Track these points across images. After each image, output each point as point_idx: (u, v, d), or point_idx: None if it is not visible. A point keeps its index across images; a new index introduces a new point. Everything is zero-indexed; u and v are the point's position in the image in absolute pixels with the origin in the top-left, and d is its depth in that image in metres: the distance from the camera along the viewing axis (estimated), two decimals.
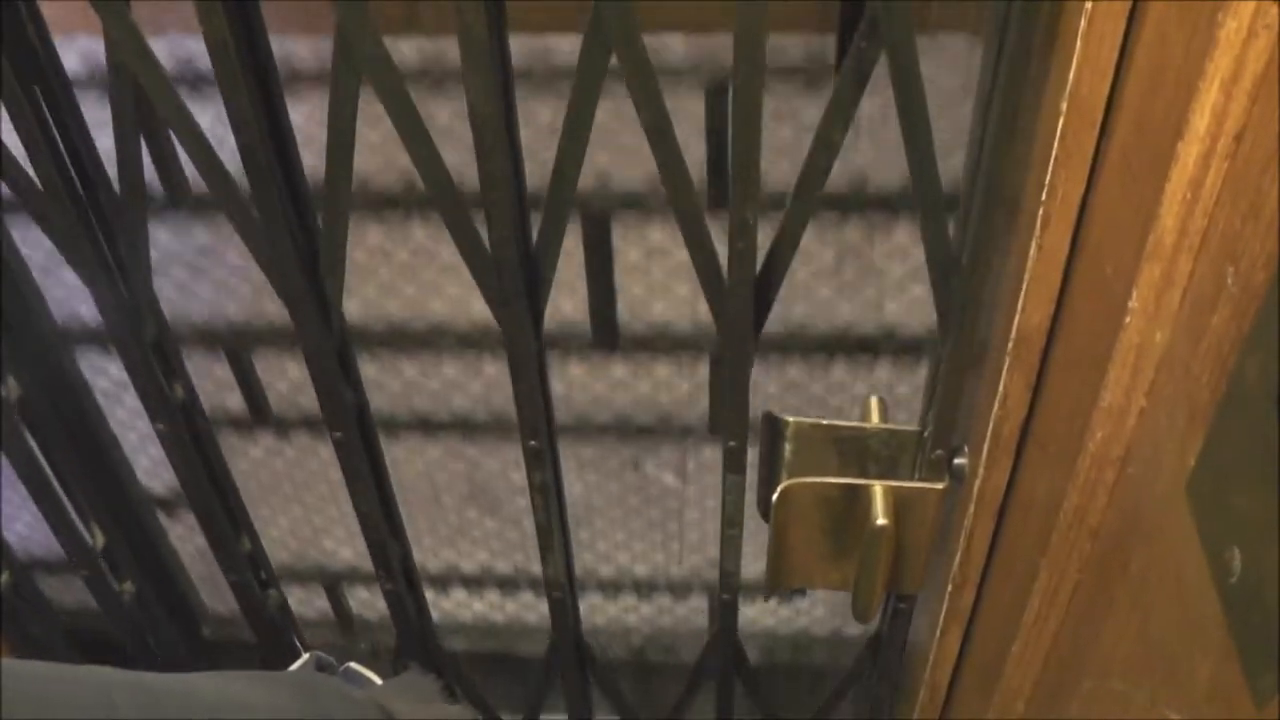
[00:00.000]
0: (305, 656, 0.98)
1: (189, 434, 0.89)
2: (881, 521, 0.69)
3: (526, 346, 0.69)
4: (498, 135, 0.61)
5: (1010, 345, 0.60)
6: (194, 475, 0.90)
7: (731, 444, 0.71)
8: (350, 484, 0.83)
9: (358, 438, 0.82)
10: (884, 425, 0.74)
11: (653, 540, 1.21)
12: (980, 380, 0.67)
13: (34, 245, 0.90)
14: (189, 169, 0.73)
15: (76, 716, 0.48)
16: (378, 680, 0.80)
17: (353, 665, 0.86)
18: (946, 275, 0.63)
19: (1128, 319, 0.49)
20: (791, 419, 0.73)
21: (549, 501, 0.78)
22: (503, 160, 0.62)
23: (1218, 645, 0.40)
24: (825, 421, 0.73)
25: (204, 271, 1.09)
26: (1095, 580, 0.58)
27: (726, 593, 0.83)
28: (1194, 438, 0.43)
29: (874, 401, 0.75)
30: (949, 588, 0.75)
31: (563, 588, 0.88)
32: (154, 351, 0.82)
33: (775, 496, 0.70)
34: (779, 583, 0.77)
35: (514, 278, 0.66)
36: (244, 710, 0.59)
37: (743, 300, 0.65)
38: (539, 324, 0.69)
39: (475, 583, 1.29)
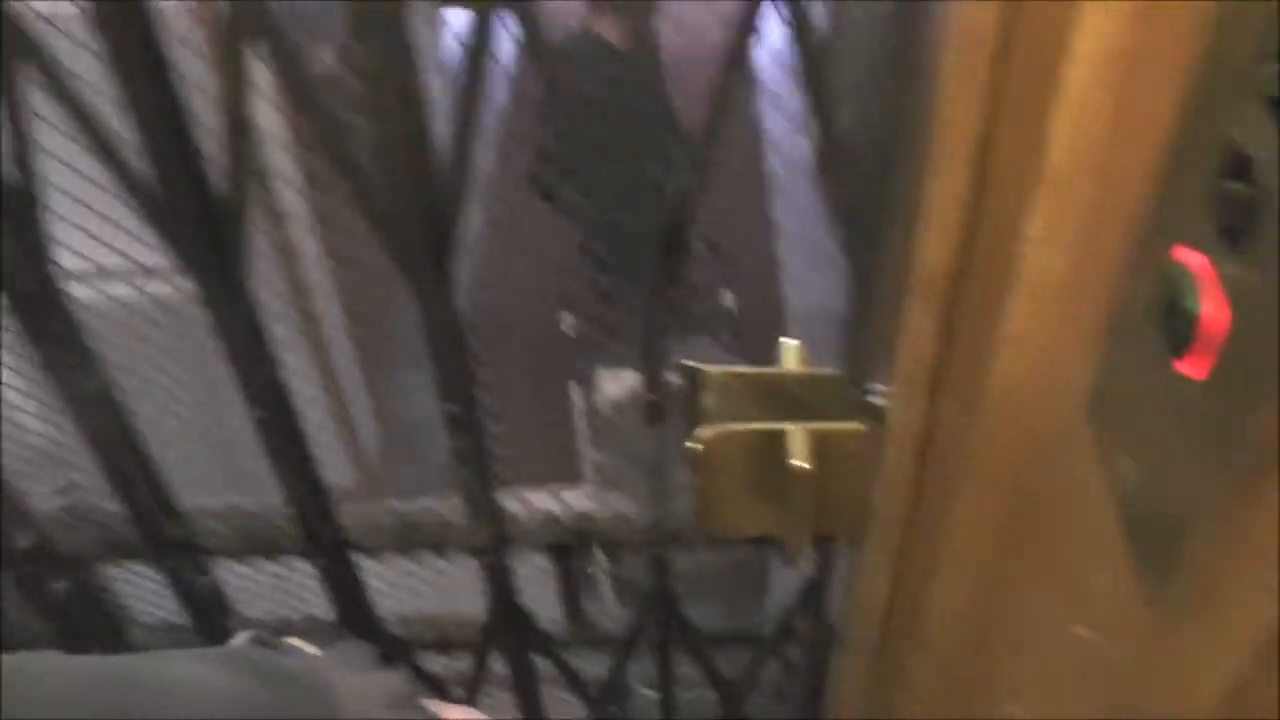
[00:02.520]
0: (242, 634, 0.98)
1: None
2: (802, 465, 0.70)
3: (436, 302, 0.68)
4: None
5: (918, 284, 0.61)
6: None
7: (651, 398, 0.72)
8: (276, 465, 0.83)
9: (280, 423, 0.81)
10: (803, 370, 0.75)
11: None
12: (892, 320, 0.68)
13: None
14: None
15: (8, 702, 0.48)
16: (315, 652, 0.79)
17: (291, 640, 0.85)
18: (851, 219, 0.64)
19: (1025, 248, 0.50)
20: (711, 369, 0.74)
21: (470, 462, 0.78)
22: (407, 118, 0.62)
23: (1116, 556, 0.41)
24: (744, 369, 0.74)
25: None
26: (1008, 508, 0.59)
27: (655, 546, 0.83)
28: (1089, 358, 0.44)
29: (791, 346, 0.76)
30: (875, 527, 0.76)
31: (494, 552, 0.88)
32: None
33: (695, 445, 0.71)
34: (708, 532, 0.77)
35: (417, 234, 0.66)
36: (184, 690, 0.58)
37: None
38: (447, 276, 0.69)
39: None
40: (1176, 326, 0.35)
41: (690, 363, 0.74)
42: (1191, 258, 0.35)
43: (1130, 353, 0.40)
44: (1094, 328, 0.44)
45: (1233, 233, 0.31)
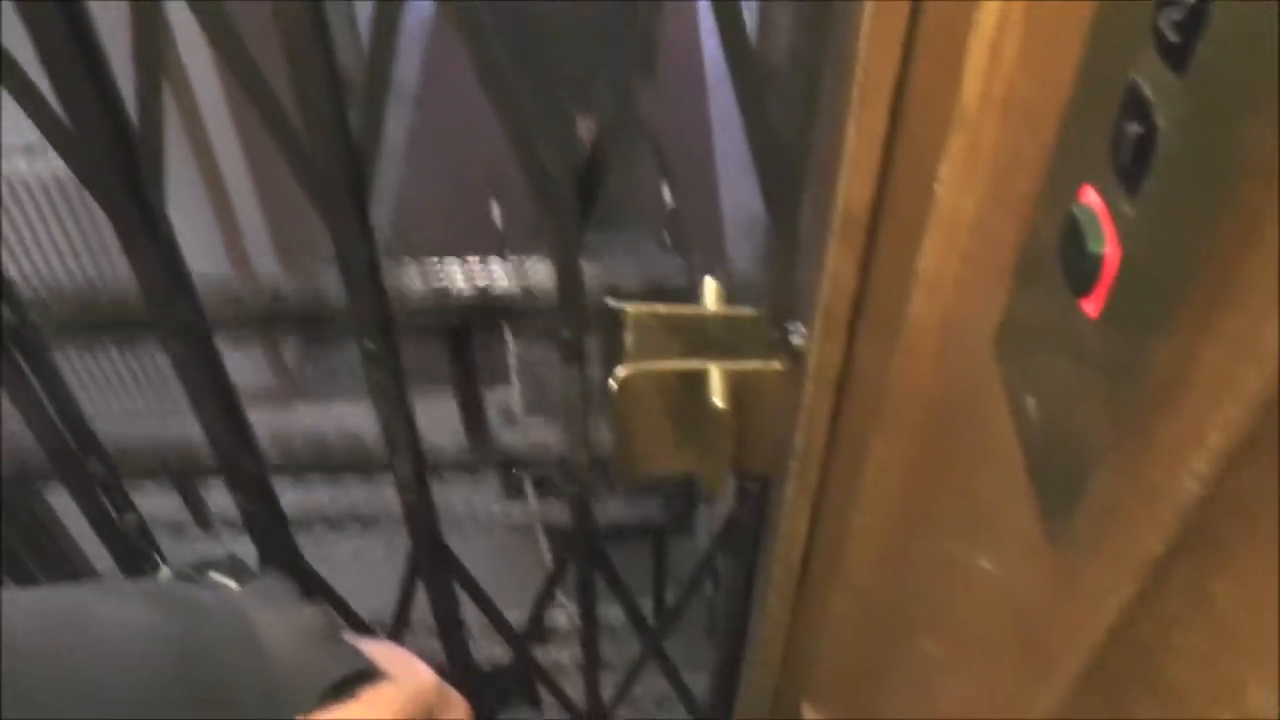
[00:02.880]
0: (164, 570, 0.97)
1: None
2: (719, 404, 0.70)
3: (355, 248, 0.68)
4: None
5: (837, 224, 0.61)
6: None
7: (566, 335, 0.72)
8: (189, 391, 0.82)
9: (196, 356, 0.80)
10: (722, 309, 0.75)
11: None
12: (812, 260, 0.68)
13: None
14: None
15: None
16: (236, 587, 0.79)
17: (213, 575, 0.85)
18: (770, 158, 0.64)
19: (939, 188, 0.50)
20: (630, 307, 0.74)
21: (389, 402, 0.78)
22: (316, 57, 0.60)
23: (1022, 494, 0.42)
24: (663, 308, 0.74)
25: None
26: (922, 446, 0.60)
27: (576, 485, 0.84)
28: (999, 297, 0.45)
29: (712, 285, 0.76)
30: (794, 466, 0.77)
31: (415, 489, 0.88)
32: None
33: (613, 384, 0.71)
34: (625, 472, 0.78)
35: (337, 177, 0.65)
36: (106, 629, 0.58)
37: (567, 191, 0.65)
38: (365, 223, 0.68)
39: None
40: (1080, 267, 0.35)
41: (611, 301, 0.74)
42: (1095, 199, 0.35)
43: (1037, 293, 0.41)
44: (1004, 267, 0.45)
45: (1129, 174, 0.32)
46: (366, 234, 0.70)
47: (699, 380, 0.73)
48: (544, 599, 1.05)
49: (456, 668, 1.14)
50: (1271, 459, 0.25)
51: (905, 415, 0.61)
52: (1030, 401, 0.41)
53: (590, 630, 1.06)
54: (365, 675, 0.67)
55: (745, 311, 0.75)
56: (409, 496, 0.89)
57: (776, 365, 0.74)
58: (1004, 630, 0.45)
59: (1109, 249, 0.34)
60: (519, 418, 2.49)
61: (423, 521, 0.94)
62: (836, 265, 0.63)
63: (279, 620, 0.66)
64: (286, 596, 0.71)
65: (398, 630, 1.10)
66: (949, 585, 0.54)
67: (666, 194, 2.77)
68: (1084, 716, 0.36)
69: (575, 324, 0.72)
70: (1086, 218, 0.35)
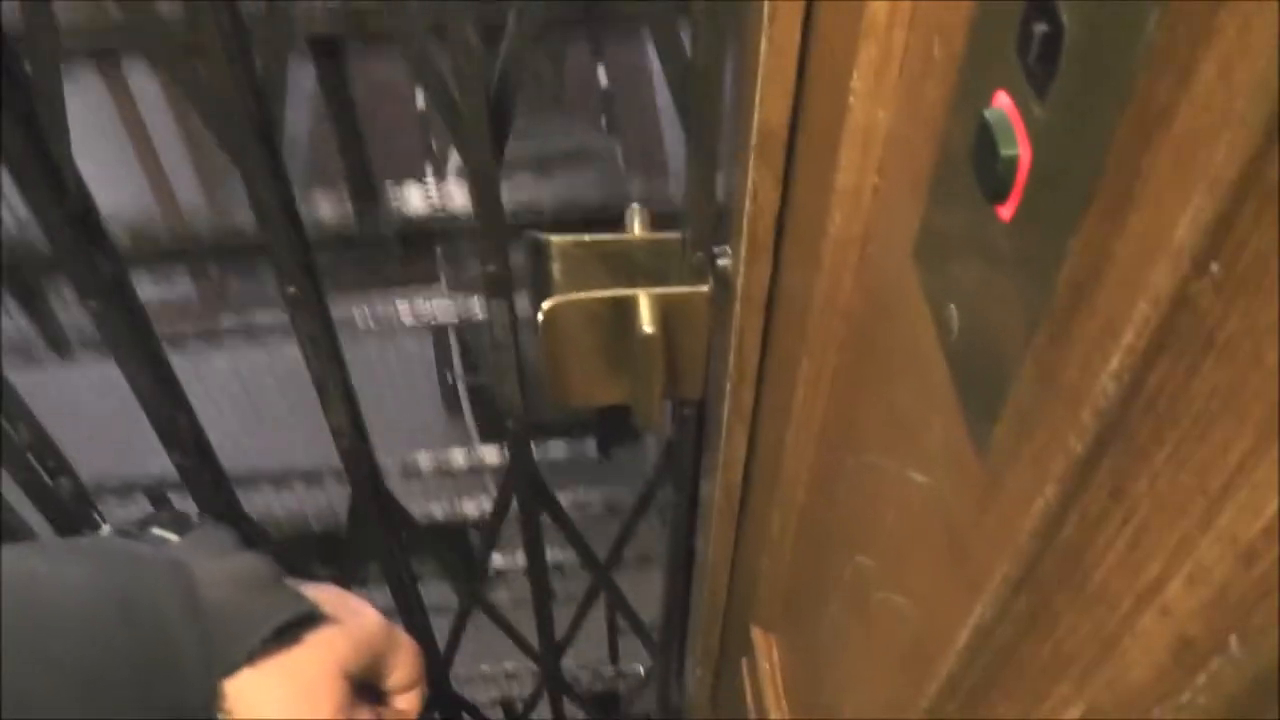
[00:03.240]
0: (104, 529, 0.95)
1: None
2: (649, 330, 0.70)
3: (266, 188, 0.66)
4: None
5: (754, 142, 0.61)
6: None
7: (490, 269, 0.70)
8: (112, 348, 0.80)
9: (116, 307, 0.78)
10: (648, 235, 0.74)
11: None
12: (732, 179, 0.68)
13: None
14: None
15: None
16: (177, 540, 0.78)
17: (154, 530, 0.84)
18: (682, 77, 0.63)
19: (852, 100, 0.49)
20: (553, 238, 0.73)
21: (319, 349, 0.77)
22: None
23: (947, 404, 0.42)
24: (588, 237, 0.73)
25: None
26: (849, 361, 0.60)
27: (512, 421, 0.83)
28: (917, 208, 0.45)
29: (636, 210, 0.75)
30: (728, 388, 0.77)
31: (351, 434, 0.87)
32: None
33: (540, 317, 0.70)
34: (559, 404, 0.77)
35: (241, 116, 0.63)
36: (44, 587, 0.57)
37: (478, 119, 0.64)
38: (277, 160, 0.66)
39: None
40: (992, 171, 0.35)
41: (534, 234, 0.73)
42: (1006, 101, 0.34)
43: (952, 200, 0.40)
44: (919, 176, 0.44)
45: (1036, 75, 0.31)
46: (281, 177, 0.69)
47: (628, 308, 0.72)
48: (489, 539, 1.04)
49: (405, 614, 1.14)
50: (1181, 357, 0.25)
51: (830, 331, 0.60)
52: (951, 310, 0.41)
53: (538, 567, 1.06)
54: (309, 619, 0.67)
55: (672, 236, 0.74)
56: (344, 443, 0.88)
57: (704, 289, 0.73)
58: (934, 542, 0.45)
59: (1021, 151, 0.33)
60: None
61: (362, 467, 0.93)
62: (757, 183, 0.62)
63: (218, 568, 0.66)
64: (227, 545, 0.70)
65: (343, 584, 1.10)
66: (879, 498, 0.54)
67: (601, 74, 2.72)
68: (1014, 625, 0.36)
69: (498, 257, 0.71)
70: (998, 121, 0.34)
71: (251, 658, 0.63)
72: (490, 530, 1.07)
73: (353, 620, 0.70)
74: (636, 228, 0.76)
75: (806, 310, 0.61)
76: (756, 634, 0.90)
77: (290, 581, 0.70)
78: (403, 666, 0.78)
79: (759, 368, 0.75)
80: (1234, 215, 0.22)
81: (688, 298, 0.73)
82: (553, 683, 1.32)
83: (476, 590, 1.15)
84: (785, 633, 0.86)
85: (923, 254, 0.45)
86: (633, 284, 0.74)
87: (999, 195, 0.35)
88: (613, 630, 1.52)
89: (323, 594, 0.70)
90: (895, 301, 0.50)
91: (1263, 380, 0.22)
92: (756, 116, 0.59)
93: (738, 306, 0.70)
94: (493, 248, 0.70)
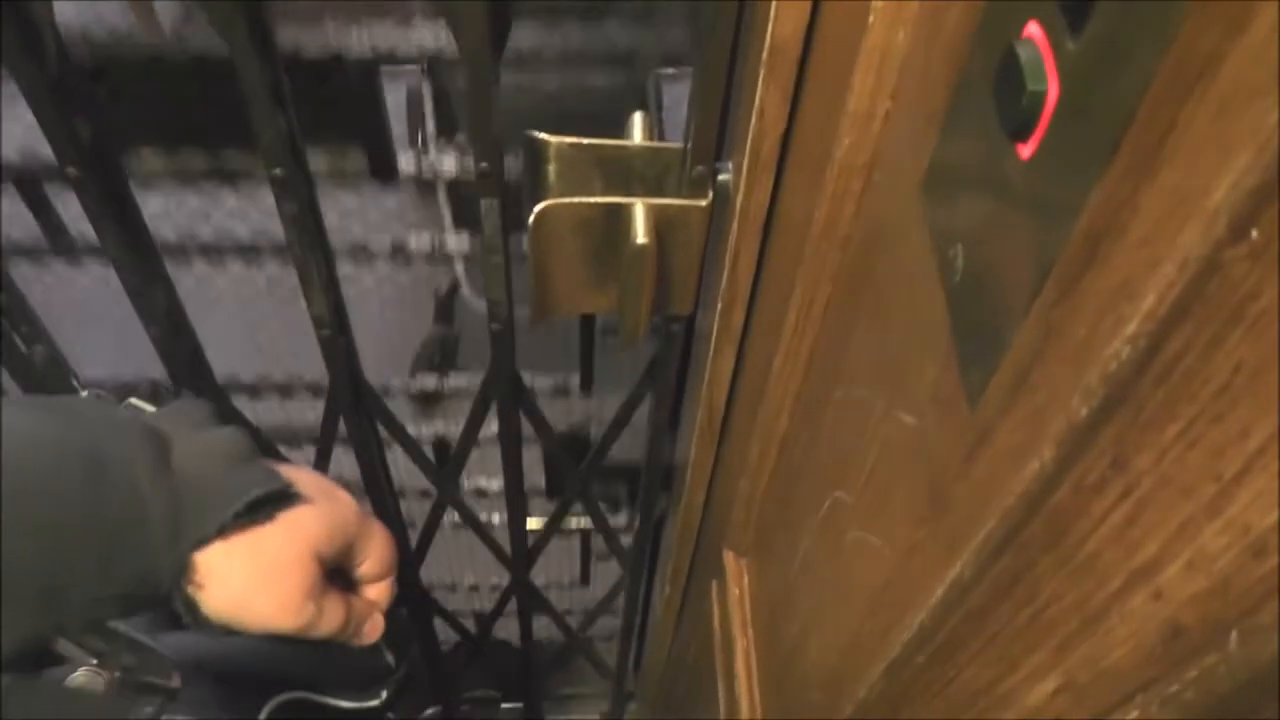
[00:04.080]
0: (83, 393, 0.93)
1: None
2: (642, 240, 0.68)
3: (254, 70, 0.63)
4: None
5: (765, 56, 0.58)
6: None
7: (483, 165, 0.68)
8: (98, 229, 0.77)
9: (98, 176, 0.76)
10: (648, 143, 0.71)
11: None
12: (739, 94, 0.65)
13: None
14: None
15: None
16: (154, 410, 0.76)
17: (132, 400, 0.82)
18: None
19: (872, 18, 0.47)
20: (552, 139, 0.70)
21: (303, 233, 0.74)
22: None
23: (942, 347, 0.40)
24: (587, 141, 0.71)
25: None
26: (844, 291, 0.58)
27: (496, 322, 0.81)
28: (930, 139, 0.42)
29: (638, 117, 0.73)
30: (719, 307, 0.75)
31: (331, 324, 0.85)
32: None
33: (531, 220, 0.68)
34: (543, 312, 0.75)
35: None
36: (10, 437, 0.54)
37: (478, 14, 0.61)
38: (269, 47, 0.63)
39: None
40: (1016, 106, 0.32)
41: (532, 133, 0.70)
42: (1037, 32, 0.32)
43: (969, 134, 0.38)
44: (934, 106, 0.42)
45: (1073, 6, 0.29)
46: (269, 56, 0.66)
47: (622, 216, 0.70)
48: (468, 439, 1.03)
49: (379, 507, 1.13)
50: (1205, 327, 0.23)
51: (827, 258, 0.58)
52: (956, 249, 0.39)
53: (513, 470, 1.05)
54: (283, 497, 0.65)
55: (673, 146, 0.72)
56: (324, 332, 0.86)
57: (701, 202, 0.71)
58: (915, 488, 0.43)
59: (1049, 87, 0.31)
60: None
61: (340, 358, 0.91)
62: (764, 100, 0.60)
63: (195, 439, 0.64)
64: (204, 418, 0.68)
65: (321, 458, 1.08)
66: (863, 435, 0.52)
67: None
68: (993, 586, 0.35)
69: (491, 154, 0.68)
70: (1028, 53, 0.32)
71: (223, 531, 0.61)
72: (469, 429, 1.06)
73: (327, 503, 0.69)
74: (638, 134, 0.73)
75: (805, 235, 0.59)
76: (728, 557, 0.89)
77: (267, 461, 0.68)
78: (375, 555, 0.77)
79: (752, 289, 0.73)
80: None
81: (684, 210, 0.71)
82: (522, 592, 1.32)
83: (452, 485, 1.14)
84: (757, 559, 0.85)
85: (932, 188, 0.42)
86: (629, 192, 0.71)
87: (1021, 132, 0.32)
88: (586, 550, 1.52)
89: (299, 475, 0.69)
90: (898, 235, 0.48)
91: None
92: (770, 28, 0.56)
93: (735, 224, 0.68)
94: (484, 144, 0.67)
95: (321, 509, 0.68)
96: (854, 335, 0.55)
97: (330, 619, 0.71)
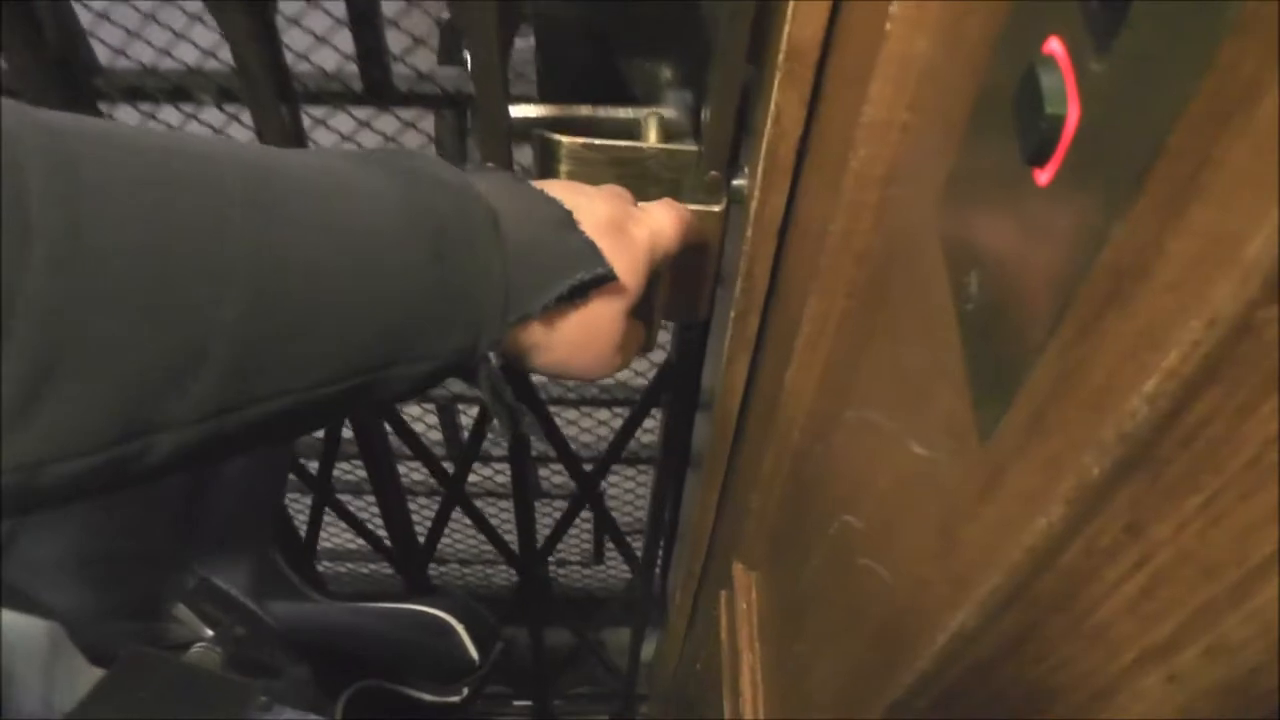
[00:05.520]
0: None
1: None
2: None
3: (254, 50, 0.61)
4: None
5: (781, 59, 0.56)
6: None
7: (489, 165, 0.66)
8: None
9: None
10: (662, 145, 0.69)
11: None
12: (757, 97, 0.63)
13: None
14: None
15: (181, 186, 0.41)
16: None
17: None
18: None
19: (890, 25, 0.44)
20: (564, 139, 0.68)
21: None
22: None
23: (956, 377, 0.38)
24: (600, 141, 0.68)
25: None
26: (860, 307, 0.56)
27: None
28: (948, 155, 0.40)
29: (652, 119, 0.71)
30: (733, 315, 0.73)
31: None
32: None
33: None
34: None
35: None
36: (360, 197, 0.49)
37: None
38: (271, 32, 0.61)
39: None
40: (1035, 130, 0.30)
41: (543, 133, 0.68)
42: (1059, 50, 0.30)
43: (987, 155, 0.36)
44: (954, 119, 0.40)
45: (1100, 23, 0.26)
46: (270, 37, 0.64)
47: None
48: (475, 439, 1.01)
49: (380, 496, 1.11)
50: (1234, 394, 0.20)
51: (843, 272, 0.56)
52: (972, 276, 0.37)
53: (521, 472, 1.03)
54: (600, 279, 0.60)
55: (687, 148, 0.70)
56: None
57: (715, 207, 0.69)
58: (925, 521, 0.41)
59: (1069, 110, 0.29)
60: None
61: None
62: (781, 105, 0.57)
63: (515, 201, 0.57)
64: (513, 178, 0.62)
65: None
66: (875, 460, 0.50)
67: None
68: (999, 641, 0.32)
69: (500, 151, 0.66)
70: (1048, 72, 0.30)
71: (545, 311, 0.58)
72: (478, 427, 1.04)
73: (628, 254, 0.62)
74: (652, 136, 0.71)
75: (820, 246, 0.56)
76: (738, 569, 0.87)
77: (579, 223, 0.62)
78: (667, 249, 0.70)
79: (766, 297, 0.71)
80: None
81: (698, 215, 0.69)
82: (531, 588, 1.30)
83: (460, 480, 1.12)
84: (766, 573, 0.83)
85: (948, 208, 0.40)
86: (643, 195, 0.69)
87: (1039, 157, 0.30)
88: (599, 545, 1.50)
89: (593, 207, 0.61)
90: (914, 253, 0.45)
91: None
92: (787, 30, 0.54)
93: (750, 231, 0.66)
94: (494, 142, 0.65)
95: (629, 264, 0.62)
96: (867, 354, 0.53)
97: (630, 354, 0.68)
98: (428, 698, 1.08)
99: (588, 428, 1.23)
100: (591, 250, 0.58)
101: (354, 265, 0.47)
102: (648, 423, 1.05)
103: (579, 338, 0.61)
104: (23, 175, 0.36)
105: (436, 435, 1.36)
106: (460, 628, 1.12)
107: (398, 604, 1.12)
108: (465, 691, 1.11)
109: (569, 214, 0.59)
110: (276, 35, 0.68)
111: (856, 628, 0.53)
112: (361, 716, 0.97)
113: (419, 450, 1.06)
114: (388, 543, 1.28)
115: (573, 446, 1.09)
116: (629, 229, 0.61)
